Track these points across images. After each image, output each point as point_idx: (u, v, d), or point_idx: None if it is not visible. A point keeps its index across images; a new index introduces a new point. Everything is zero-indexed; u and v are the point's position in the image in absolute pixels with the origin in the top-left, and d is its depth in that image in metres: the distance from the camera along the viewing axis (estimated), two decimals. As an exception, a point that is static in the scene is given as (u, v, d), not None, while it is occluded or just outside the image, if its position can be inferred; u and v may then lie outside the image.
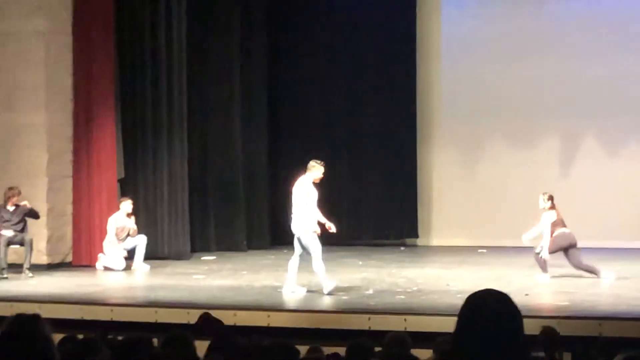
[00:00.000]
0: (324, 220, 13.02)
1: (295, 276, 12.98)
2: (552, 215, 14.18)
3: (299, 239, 12.87)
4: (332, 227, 12.92)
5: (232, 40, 19.07)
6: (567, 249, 14.09)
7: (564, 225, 14.18)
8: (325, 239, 19.68)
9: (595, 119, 19.20)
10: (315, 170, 12.91)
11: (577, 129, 19.34)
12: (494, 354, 3.02)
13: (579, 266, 14.09)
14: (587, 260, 14.14)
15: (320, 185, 20.01)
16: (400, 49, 19.88)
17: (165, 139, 17.54)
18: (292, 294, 12.88)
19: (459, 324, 3.10)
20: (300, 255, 12.94)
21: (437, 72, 20.20)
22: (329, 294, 12.72)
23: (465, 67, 19.89)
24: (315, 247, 12.75)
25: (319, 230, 12.80)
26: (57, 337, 5.61)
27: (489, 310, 3.11)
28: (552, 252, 14.09)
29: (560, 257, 14.24)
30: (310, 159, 19.79)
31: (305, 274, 14.72)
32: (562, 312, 11.26)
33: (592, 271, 14.09)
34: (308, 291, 13.07)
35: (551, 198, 14.29)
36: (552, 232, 14.12)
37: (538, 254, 14.14)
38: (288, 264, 13.06)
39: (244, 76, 19.33)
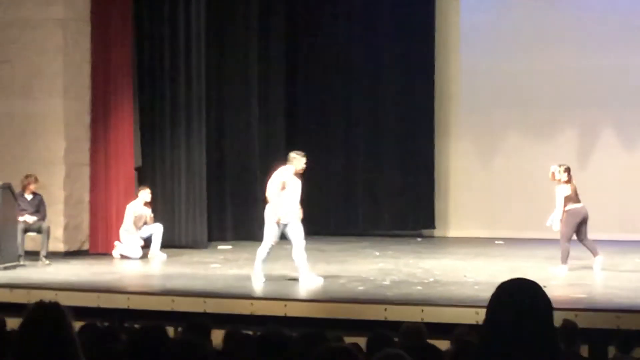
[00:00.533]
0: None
1: (261, 266, 13.08)
2: (566, 189, 14.05)
3: (284, 226, 12.89)
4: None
5: (251, 29, 19.04)
6: (579, 224, 14.02)
7: (578, 201, 14.07)
8: (343, 229, 19.79)
9: (613, 111, 19.10)
10: (297, 161, 12.87)
11: (595, 120, 19.25)
12: (523, 343, 3.00)
13: (583, 241, 14.07)
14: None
15: (339, 177, 20.14)
16: (419, 40, 19.81)
17: (183, 127, 17.54)
18: (263, 283, 12.94)
19: (489, 311, 3.08)
20: (294, 246, 13.01)
21: (455, 64, 20.12)
22: (256, 281, 12.88)
23: (484, 58, 19.82)
24: (269, 235, 12.92)
25: (283, 220, 12.79)
26: (76, 325, 5.61)
27: (520, 299, 3.09)
28: (569, 234, 13.98)
29: (578, 249, 14.19)
30: (327, 149, 19.96)
31: (323, 265, 14.73)
32: (580, 305, 11.21)
33: (592, 250, 14.06)
34: (325, 278, 13.05)
35: (567, 170, 14.14)
36: (565, 206, 14.02)
37: (568, 242, 14.00)
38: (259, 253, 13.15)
39: (262, 67, 19.30)
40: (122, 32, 17.01)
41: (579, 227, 14.05)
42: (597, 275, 13.61)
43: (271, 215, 12.85)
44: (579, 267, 14.19)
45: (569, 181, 14.11)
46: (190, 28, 17.52)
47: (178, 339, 5.02)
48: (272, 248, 13.10)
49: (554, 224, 14.02)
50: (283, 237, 13.07)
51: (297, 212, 12.88)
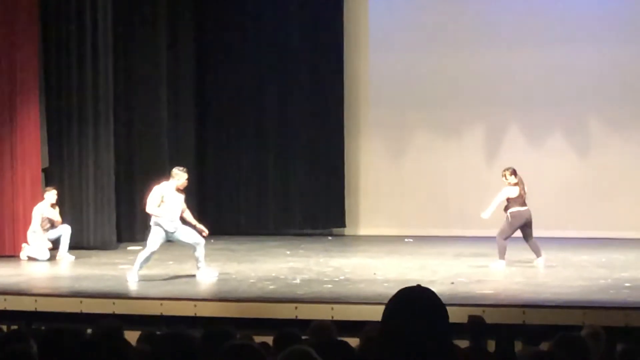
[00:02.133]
0: (194, 222, 13.62)
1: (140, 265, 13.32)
2: (512, 191, 14.29)
3: (171, 234, 13.27)
4: (204, 231, 13.64)
5: (159, 29, 18.93)
6: (523, 226, 14.28)
7: (524, 204, 14.34)
8: (254, 229, 19.80)
9: (519, 110, 19.39)
10: (179, 177, 13.41)
11: (502, 119, 19.52)
12: (419, 345, 3.21)
13: (528, 242, 14.41)
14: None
15: (249, 176, 20.13)
16: (327, 38, 19.91)
17: (91, 128, 17.38)
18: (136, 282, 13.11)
19: (385, 317, 3.29)
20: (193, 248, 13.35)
21: (365, 63, 20.25)
22: (132, 280, 13.08)
23: (393, 58, 19.96)
24: (151, 242, 13.23)
25: (170, 229, 13.23)
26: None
27: (415, 305, 3.30)
28: (508, 234, 14.25)
29: (483, 246, 14.40)
30: (238, 149, 19.96)
31: (233, 264, 14.73)
32: (487, 301, 11.38)
33: (535, 251, 14.37)
34: (235, 278, 13.06)
35: (513, 173, 14.38)
36: (507, 208, 14.25)
37: (505, 239, 14.25)
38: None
39: (171, 66, 19.21)
40: (28, 32, 16.77)
41: (524, 229, 14.32)
42: (536, 273, 13.81)
43: (156, 225, 13.23)
44: (485, 265, 14.40)
45: (517, 183, 14.34)
46: (97, 27, 17.36)
47: (87, 341, 4.97)
48: (153, 254, 13.32)
49: (486, 212, 14.28)
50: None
51: (178, 224, 13.29)
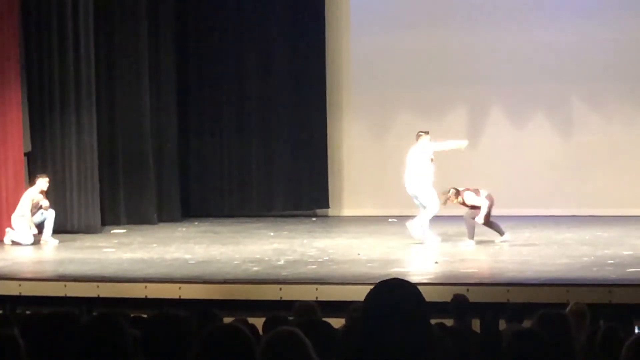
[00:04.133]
0: None
1: None
2: (471, 197, 14.40)
3: None
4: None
5: (140, 10, 18.83)
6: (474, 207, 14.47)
7: (478, 194, 14.46)
8: (238, 211, 19.79)
9: (501, 90, 19.41)
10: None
11: (485, 99, 19.53)
12: (398, 333, 3.34)
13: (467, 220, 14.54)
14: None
15: (232, 158, 20.10)
16: (309, 19, 19.86)
17: (73, 111, 17.30)
18: None
19: (365, 309, 3.41)
20: None
21: (346, 43, 20.21)
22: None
23: (374, 38, 19.93)
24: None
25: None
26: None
27: (393, 295, 3.41)
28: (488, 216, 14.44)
29: (454, 224, 14.55)
30: (221, 131, 19.94)
31: (217, 246, 14.75)
32: (471, 279, 11.43)
33: (471, 233, 14.45)
34: (219, 260, 13.07)
35: (456, 193, 14.48)
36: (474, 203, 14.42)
37: (473, 218, 14.34)
38: None
39: (152, 50, 19.13)
40: (8, 14, 16.68)
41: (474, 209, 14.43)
42: (519, 252, 13.85)
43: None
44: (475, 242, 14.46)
45: (459, 194, 14.43)
46: (78, 11, 17.27)
47: (92, 323, 4.90)
48: None
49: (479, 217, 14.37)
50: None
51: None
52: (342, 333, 6.11)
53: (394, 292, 3.40)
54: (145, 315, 8.26)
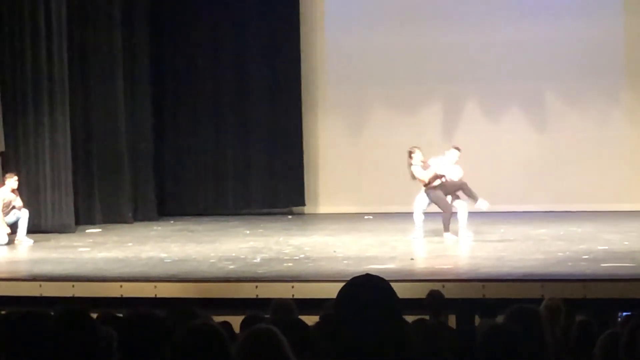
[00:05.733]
0: None
1: None
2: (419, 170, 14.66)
3: None
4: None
5: (114, 10, 18.76)
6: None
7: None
8: (213, 209, 19.75)
9: (476, 86, 19.45)
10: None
11: (460, 95, 19.58)
12: (369, 328, 3.42)
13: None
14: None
15: (207, 156, 20.05)
16: (283, 16, 19.84)
17: (46, 111, 17.24)
18: None
19: (337, 305, 3.51)
20: None
21: (321, 40, 20.21)
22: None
23: (349, 34, 19.93)
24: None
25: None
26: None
27: (364, 290, 3.50)
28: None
29: (430, 221, 14.61)
30: (196, 129, 19.89)
31: (192, 245, 14.73)
32: (447, 275, 11.45)
33: (446, 225, 14.61)
34: (195, 259, 13.05)
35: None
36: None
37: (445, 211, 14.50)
38: None
39: (126, 46, 19.06)
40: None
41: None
42: (495, 248, 13.89)
43: None
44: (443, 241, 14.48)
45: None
46: (50, 9, 17.20)
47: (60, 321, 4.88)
48: None
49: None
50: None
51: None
52: (314, 329, 6.12)
53: (364, 288, 3.47)
54: (120, 315, 8.23)
